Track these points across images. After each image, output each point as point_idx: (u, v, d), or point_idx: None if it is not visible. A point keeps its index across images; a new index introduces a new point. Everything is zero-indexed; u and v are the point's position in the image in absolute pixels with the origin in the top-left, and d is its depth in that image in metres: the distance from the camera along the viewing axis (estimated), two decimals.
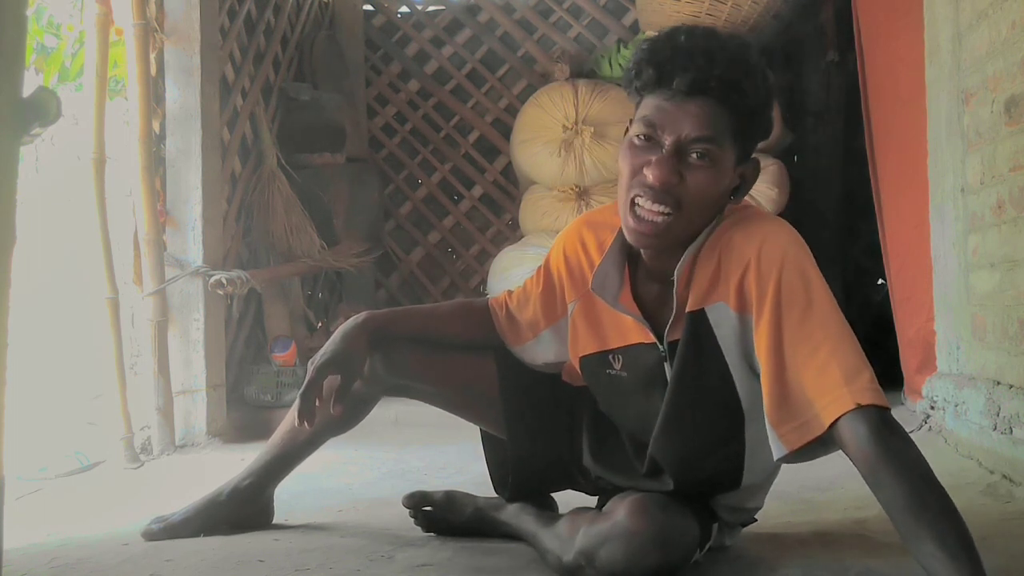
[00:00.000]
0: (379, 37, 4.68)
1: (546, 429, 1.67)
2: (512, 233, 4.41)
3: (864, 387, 1.25)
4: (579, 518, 1.48)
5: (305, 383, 1.56)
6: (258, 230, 3.73)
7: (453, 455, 2.66)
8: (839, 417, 1.25)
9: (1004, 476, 2.07)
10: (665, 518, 1.37)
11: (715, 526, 1.51)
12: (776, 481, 1.60)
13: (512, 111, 4.30)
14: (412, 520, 1.79)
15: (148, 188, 3.00)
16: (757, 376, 1.36)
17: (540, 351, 1.64)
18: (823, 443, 1.29)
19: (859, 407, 1.24)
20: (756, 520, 1.64)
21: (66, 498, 2.39)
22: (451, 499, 1.78)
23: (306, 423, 1.57)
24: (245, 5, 3.71)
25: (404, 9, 4.73)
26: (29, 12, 1.56)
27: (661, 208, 1.35)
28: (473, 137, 4.59)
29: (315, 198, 3.94)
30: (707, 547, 1.48)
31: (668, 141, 1.34)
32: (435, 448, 2.83)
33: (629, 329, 1.49)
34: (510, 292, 1.69)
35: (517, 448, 1.68)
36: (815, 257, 1.38)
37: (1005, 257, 2.16)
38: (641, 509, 1.37)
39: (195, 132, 3.16)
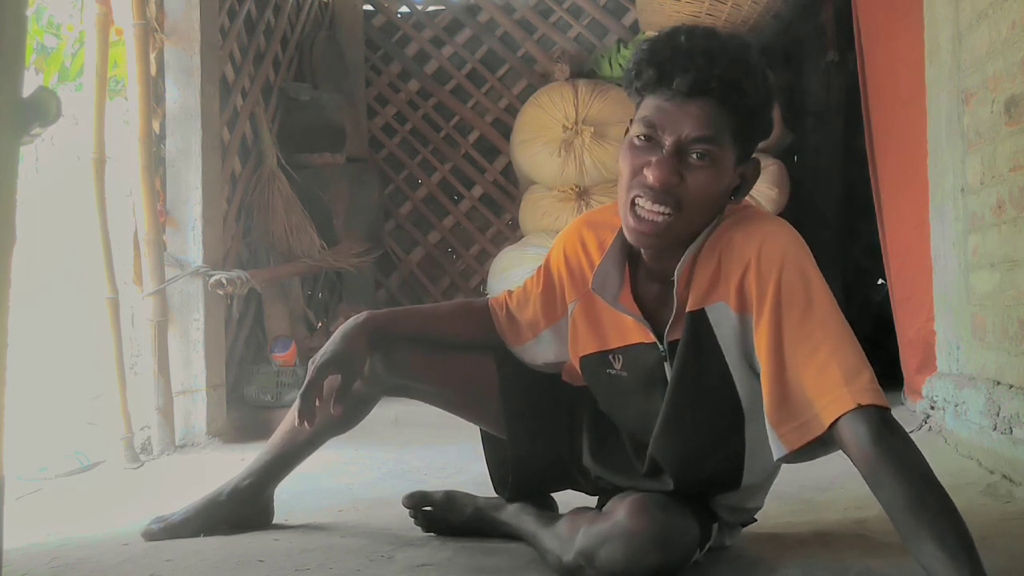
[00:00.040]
0: (379, 37, 4.68)
1: (546, 429, 1.67)
2: (512, 233, 4.41)
3: (864, 387, 1.25)
4: (579, 518, 1.48)
5: (305, 383, 1.56)
6: (258, 230, 3.73)
7: (453, 455, 2.66)
8: (839, 417, 1.25)
9: (1004, 476, 2.07)
10: (665, 518, 1.37)
11: (715, 526, 1.51)
12: (776, 481, 1.60)
13: (512, 111, 4.30)
14: (412, 520, 1.79)
15: (148, 188, 3.00)
16: (757, 376, 1.36)
17: (540, 351, 1.64)
18: (823, 443, 1.29)
19: (859, 407, 1.24)
20: (756, 520, 1.64)
21: (66, 498, 2.39)
22: (451, 499, 1.78)
23: (306, 423, 1.57)
24: (245, 5, 3.71)
25: (404, 9, 4.73)
26: (29, 12, 1.56)
27: (661, 208, 1.35)
28: (473, 137, 4.59)
29: (315, 198, 3.94)
30: (707, 547, 1.48)
31: (668, 141, 1.34)
32: (435, 448, 2.83)
33: (629, 329, 1.49)
34: (510, 292, 1.69)
35: (517, 448, 1.68)
36: (815, 257, 1.38)
37: (1005, 257, 2.16)
38: (641, 509, 1.37)
39: (195, 132, 3.16)
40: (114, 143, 3.00)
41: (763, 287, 1.35)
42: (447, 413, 1.77)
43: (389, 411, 2.70)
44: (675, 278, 1.42)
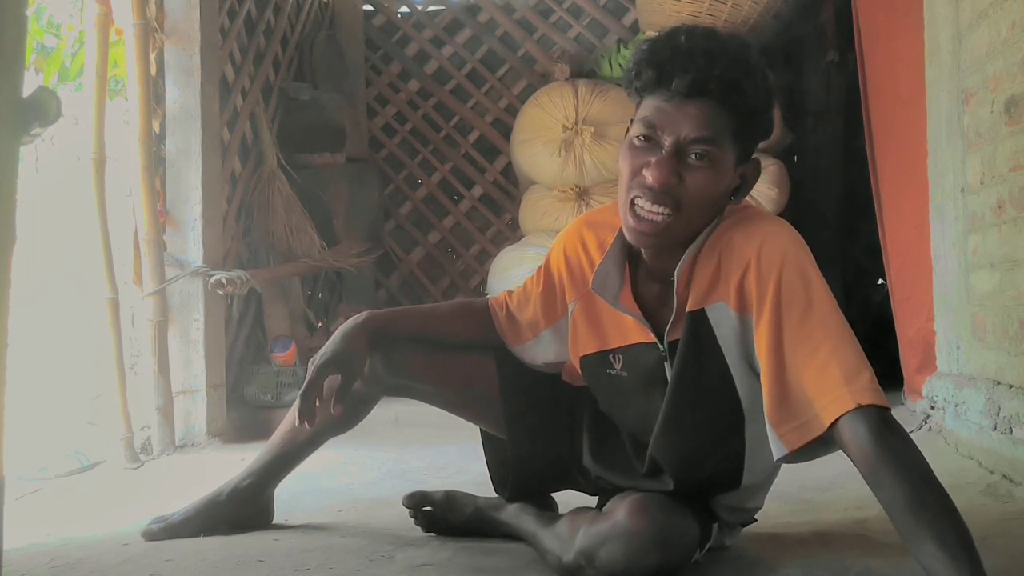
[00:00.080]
0: (379, 37, 4.68)
1: (546, 429, 1.67)
2: (512, 233, 4.41)
3: (864, 387, 1.25)
4: (579, 518, 1.48)
5: (305, 383, 1.56)
6: (258, 230, 3.73)
7: (453, 455, 2.66)
8: (839, 417, 1.25)
9: (1004, 476, 2.07)
10: (665, 518, 1.37)
11: (715, 526, 1.51)
12: (776, 481, 1.60)
13: (512, 111, 4.30)
14: (412, 520, 1.79)
15: (148, 188, 3.00)
16: (757, 376, 1.36)
17: (540, 351, 1.64)
18: (823, 443, 1.29)
19: (859, 407, 1.24)
20: (756, 520, 1.64)
21: (66, 498, 2.39)
22: (451, 499, 1.78)
23: (306, 423, 1.57)
24: (245, 5, 3.71)
25: (404, 9, 4.73)
26: (29, 12, 1.56)
27: (660, 209, 1.35)
28: (473, 137, 4.59)
29: (315, 198, 3.94)
30: (707, 547, 1.48)
31: (667, 142, 1.34)
32: (435, 448, 2.83)
33: (629, 329, 1.49)
34: (510, 292, 1.69)
35: (517, 448, 1.68)
36: (815, 257, 1.38)
37: (1005, 257, 2.16)
38: (641, 509, 1.37)
39: (195, 132, 3.17)
40: (114, 143, 3.00)
41: (763, 287, 1.35)
42: (447, 413, 1.77)
43: (389, 411, 2.70)
44: (675, 278, 1.42)
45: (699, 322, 1.41)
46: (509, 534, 1.68)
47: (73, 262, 3.47)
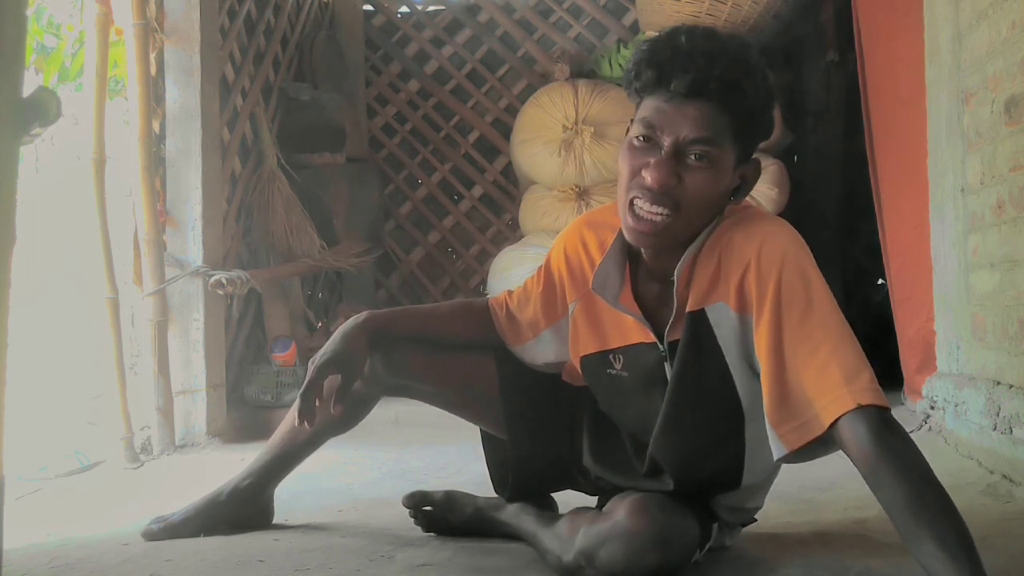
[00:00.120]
0: (379, 37, 4.68)
1: (546, 429, 1.67)
2: (512, 233, 4.41)
3: (864, 387, 1.25)
4: (579, 518, 1.48)
5: (305, 383, 1.56)
6: (258, 230, 3.73)
7: (453, 455, 2.66)
8: (839, 417, 1.25)
9: (1004, 476, 2.07)
10: (665, 518, 1.37)
11: (715, 526, 1.51)
12: (776, 481, 1.60)
13: (512, 111, 4.30)
14: (412, 520, 1.79)
15: (148, 188, 3.00)
16: (757, 376, 1.36)
17: (540, 351, 1.64)
18: (823, 443, 1.29)
19: (859, 407, 1.24)
20: (756, 520, 1.64)
21: (66, 498, 2.39)
22: (451, 499, 1.78)
23: (306, 423, 1.57)
24: (245, 5, 3.71)
25: (404, 9, 4.73)
26: (29, 12, 1.56)
27: (659, 210, 1.35)
28: (473, 137, 4.59)
29: (315, 198, 3.94)
30: (707, 547, 1.48)
31: (667, 142, 1.34)
32: (435, 448, 2.83)
33: (630, 329, 1.49)
34: (510, 292, 1.69)
35: (517, 448, 1.68)
36: (815, 257, 1.38)
37: (1005, 257, 2.16)
38: (641, 509, 1.37)
39: (195, 132, 3.16)
40: (114, 143, 3.00)
41: (763, 287, 1.35)
42: (447, 413, 1.77)
43: (389, 411, 2.70)
44: (675, 278, 1.42)
45: (699, 322, 1.41)
46: (509, 534, 1.68)
47: (73, 262, 3.48)
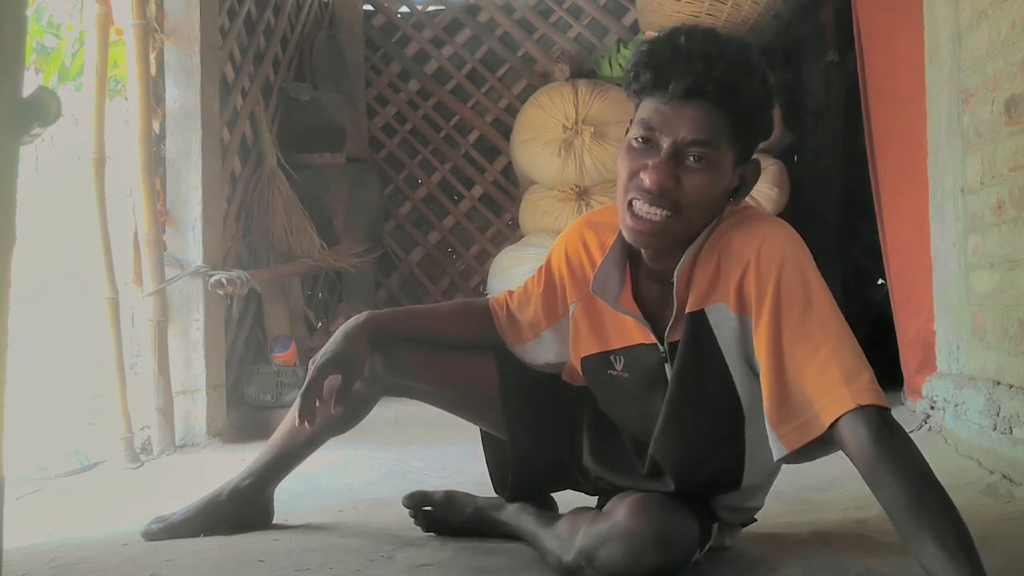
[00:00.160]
0: (379, 37, 4.68)
1: (546, 429, 1.67)
2: (512, 233, 4.41)
3: (864, 387, 1.25)
4: (579, 518, 1.48)
5: (306, 383, 1.56)
6: (258, 230, 3.73)
7: (453, 455, 2.66)
8: (839, 417, 1.25)
9: (1004, 476, 2.07)
10: (665, 518, 1.37)
11: (715, 526, 1.51)
12: (776, 481, 1.60)
13: (512, 111, 4.30)
14: (412, 520, 1.79)
15: (148, 188, 3.00)
16: (757, 377, 1.36)
17: (541, 351, 1.64)
18: (823, 443, 1.29)
19: (859, 407, 1.24)
20: (756, 520, 1.64)
21: (66, 498, 2.39)
22: (451, 499, 1.78)
23: (307, 423, 1.57)
24: (245, 5, 3.71)
25: (404, 9, 4.73)
26: (29, 12, 1.56)
27: (658, 211, 1.35)
28: (473, 137, 4.59)
29: (315, 198, 3.94)
30: (707, 547, 1.48)
31: (665, 144, 1.35)
32: (435, 448, 2.83)
33: (630, 330, 1.49)
34: (510, 292, 1.69)
35: (517, 448, 1.68)
36: (815, 257, 1.38)
37: (1005, 257, 2.16)
38: (641, 509, 1.37)
39: (195, 132, 3.17)
40: (114, 143, 3.00)
41: (762, 288, 1.35)
42: (447, 413, 1.76)
43: (389, 411, 2.70)
44: (675, 279, 1.42)
45: (699, 323, 1.41)
46: (509, 534, 1.68)
47: (73, 262, 3.47)
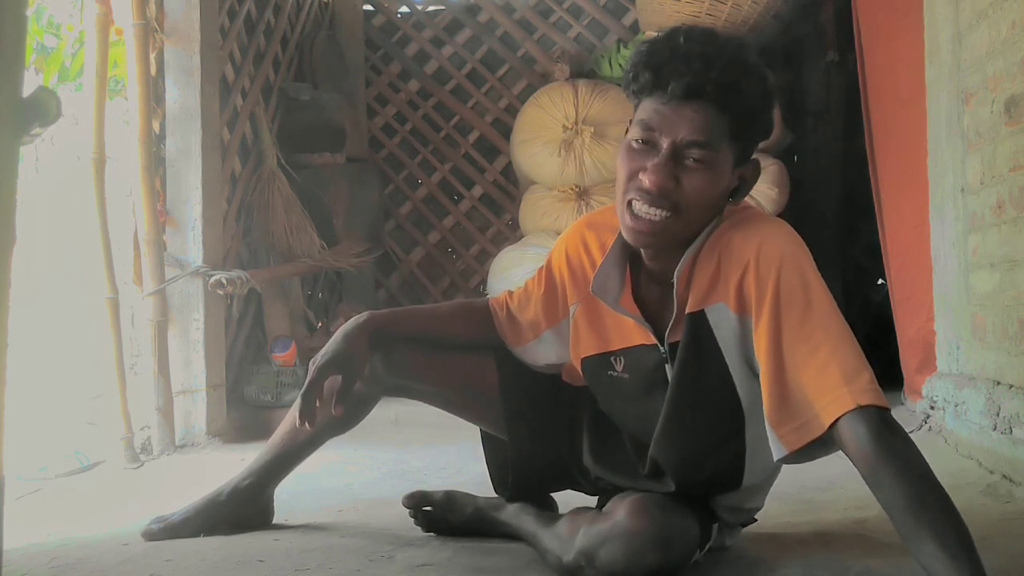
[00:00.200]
0: (379, 37, 4.68)
1: (546, 429, 1.67)
2: (512, 233, 4.41)
3: (864, 387, 1.25)
4: (579, 518, 1.48)
5: (306, 383, 1.56)
6: (258, 230, 3.73)
7: (453, 455, 2.66)
8: (839, 417, 1.25)
9: (1004, 476, 2.07)
10: (665, 518, 1.37)
11: (715, 526, 1.51)
12: (776, 481, 1.60)
13: (512, 111, 4.30)
14: (412, 520, 1.79)
15: (148, 188, 3.00)
16: (757, 377, 1.36)
17: (541, 352, 1.64)
18: (823, 443, 1.29)
19: (859, 407, 1.24)
20: (756, 520, 1.64)
21: (66, 498, 2.39)
22: (451, 499, 1.78)
23: (307, 424, 1.57)
24: (245, 5, 3.71)
25: (404, 9, 4.73)
26: (29, 12, 1.56)
27: (657, 212, 1.36)
28: (473, 137, 4.59)
29: (315, 198, 3.94)
30: (707, 547, 1.48)
31: (664, 145, 1.35)
32: (435, 448, 2.83)
33: (631, 330, 1.49)
34: (511, 292, 1.69)
35: (517, 448, 1.68)
36: (815, 257, 1.38)
37: (1005, 257, 2.16)
38: (641, 509, 1.37)
39: (195, 132, 3.17)
40: (114, 143, 3.00)
41: (762, 288, 1.35)
42: (447, 413, 1.77)
43: (389, 411, 2.70)
44: (675, 280, 1.42)
45: (699, 323, 1.41)
46: (509, 534, 1.68)
47: (73, 262, 3.47)
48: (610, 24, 4.42)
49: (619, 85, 1.53)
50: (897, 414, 1.30)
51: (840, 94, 4.03)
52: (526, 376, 1.67)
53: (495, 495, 1.76)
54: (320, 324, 4.13)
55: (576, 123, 3.73)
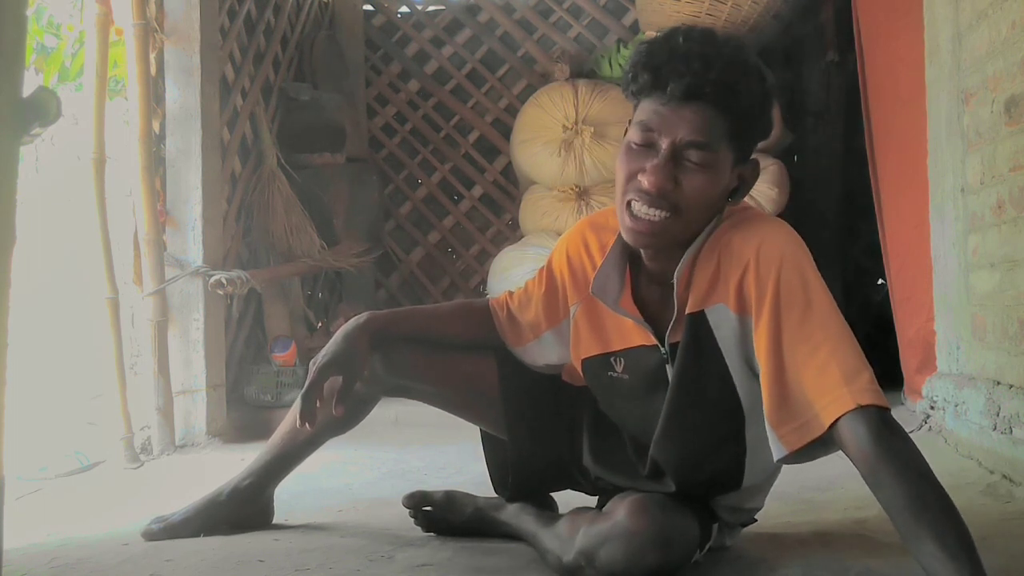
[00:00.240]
0: (379, 37, 4.68)
1: (546, 429, 1.67)
2: (512, 233, 4.41)
3: (864, 387, 1.25)
4: (579, 518, 1.48)
5: (307, 384, 1.56)
6: (258, 230, 3.73)
7: (453, 455, 2.66)
8: (839, 417, 1.25)
9: (1004, 476, 2.07)
10: (665, 518, 1.37)
11: (715, 526, 1.51)
12: (776, 481, 1.60)
13: (512, 111, 4.30)
14: (412, 520, 1.79)
15: (148, 188, 3.00)
16: (757, 377, 1.36)
17: (541, 352, 1.64)
18: (823, 443, 1.29)
19: (859, 407, 1.24)
20: (756, 520, 1.64)
21: (66, 498, 2.39)
22: (451, 499, 1.78)
23: (307, 424, 1.56)
24: (245, 5, 3.71)
25: (404, 9, 4.73)
26: (29, 12, 1.56)
27: (657, 213, 1.36)
28: (473, 137, 4.59)
29: (315, 198, 3.94)
30: (707, 547, 1.48)
31: (664, 145, 1.35)
32: (435, 448, 2.83)
33: (631, 331, 1.49)
34: (511, 293, 1.69)
35: (517, 448, 1.68)
36: (815, 257, 1.38)
37: (1005, 257, 2.16)
38: (641, 509, 1.37)
39: (195, 132, 3.17)
40: (114, 143, 3.00)
41: (762, 288, 1.35)
42: (447, 413, 1.77)
43: (389, 411, 2.69)
44: (675, 280, 1.42)
45: (699, 324, 1.41)
46: (509, 534, 1.68)
47: (73, 262, 3.48)
48: (610, 24, 4.42)
49: (619, 85, 1.52)
50: (897, 414, 1.30)
51: (840, 94, 4.03)
52: (526, 376, 1.67)
53: (495, 495, 1.76)
54: (320, 324, 4.13)
55: (576, 123, 3.73)
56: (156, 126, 3.11)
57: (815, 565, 1.50)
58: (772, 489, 1.61)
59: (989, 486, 2.05)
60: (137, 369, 3.06)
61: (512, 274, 3.63)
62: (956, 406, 2.43)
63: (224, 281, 3.13)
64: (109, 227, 2.84)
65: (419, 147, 4.63)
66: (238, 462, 2.23)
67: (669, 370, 1.46)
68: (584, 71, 4.01)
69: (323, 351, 1.59)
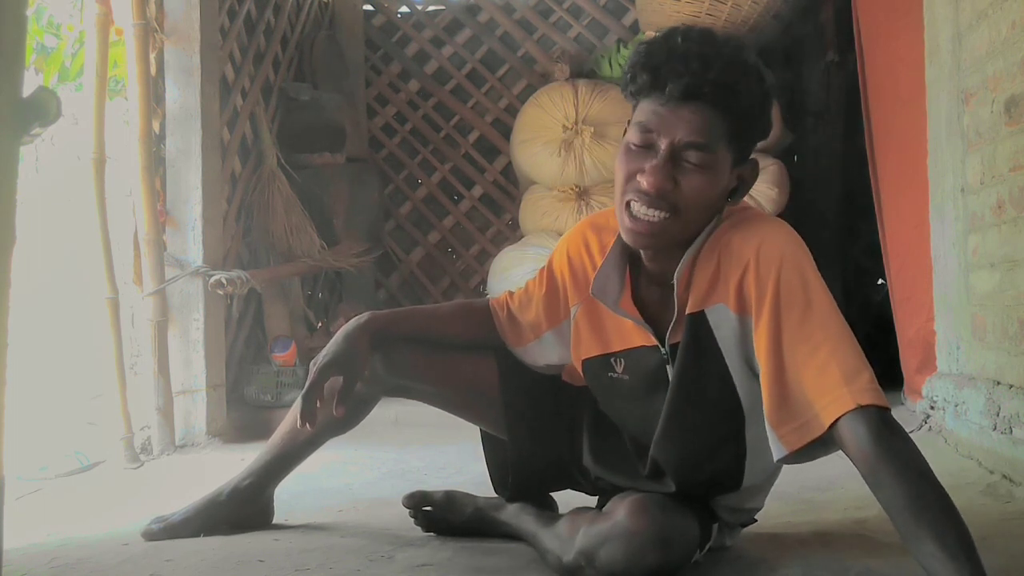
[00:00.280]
0: (379, 37, 4.68)
1: (546, 429, 1.67)
2: (512, 233, 4.41)
3: (864, 387, 1.25)
4: (579, 518, 1.48)
5: (307, 384, 1.56)
6: (258, 230, 3.73)
7: (453, 455, 2.66)
8: (839, 417, 1.25)
9: (1004, 476, 2.07)
10: (665, 518, 1.37)
11: (715, 526, 1.51)
12: (776, 481, 1.60)
13: (512, 111, 4.30)
14: (412, 520, 1.79)
15: (148, 188, 3.00)
16: (757, 377, 1.36)
17: (541, 353, 1.64)
18: (823, 443, 1.29)
19: (859, 407, 1.24)
20: (756, 520, 1.64)
21: (66, 498, 2.39)
22: (451, 499, 1.78)
23: (308, 424, 1.56)
24: (245, 5, 3.71)
25: (404, 9, 4.73)
26: (29, 12, 1.56)
27: (656, 213, 1.36)
28: (473, 137, 4.60)
29: (315, 198, 3.94)
30: (707, 547, 1.48)
31: (663, 146, 1.35)
32: (435, 448, 2.83)
33: (631, 332, 1.49)
34: (511, 293, 1.69)
35: (517, 448, 1.68)
36: (815, 257, 1.38)
37: (1005, 257, 2.16)
38: (641, 509, 1.37)
39: (195, 132, 3.17)
40: (114, 143, 3.00)
41: (762, 288, 1.35)
42: (447, 413, 1.77)
43: (389, 411, 2.69)
44: (675, 281, 1.42)
45: (699, 324, 1.41)
46: (509, 534, 1.68)
47: (73, 262, 3.48)
48: (610, 24, 4.42)
49: (619, 85, 1.52)
50: (897, 414, 1.30)
51: (840, 94, 4.03)
52: (526, 376, 1.67)
53: (495, 495, 1.76)
54: (320, 324, 4.13)
55: (576, 123, 3.73)
56: (156, 126, 3.11)
57: (815, 565, 1.50)
58: (772, 489, 1.61)
59: (989, 486, 2.05)
60: (137, 369, 3.06)
61: (512, 274, 3.63)
62: (956, 406, 2.43)
63: (224, 281, 3.13)
64: (109, 227, 2.84)
65: (419, 147, 4.63)
66: (238, 462, 2.23)
67: (669, 370, 1.46)
68: (584, 71, 4.01)
69: (323, 351, 1.59)
